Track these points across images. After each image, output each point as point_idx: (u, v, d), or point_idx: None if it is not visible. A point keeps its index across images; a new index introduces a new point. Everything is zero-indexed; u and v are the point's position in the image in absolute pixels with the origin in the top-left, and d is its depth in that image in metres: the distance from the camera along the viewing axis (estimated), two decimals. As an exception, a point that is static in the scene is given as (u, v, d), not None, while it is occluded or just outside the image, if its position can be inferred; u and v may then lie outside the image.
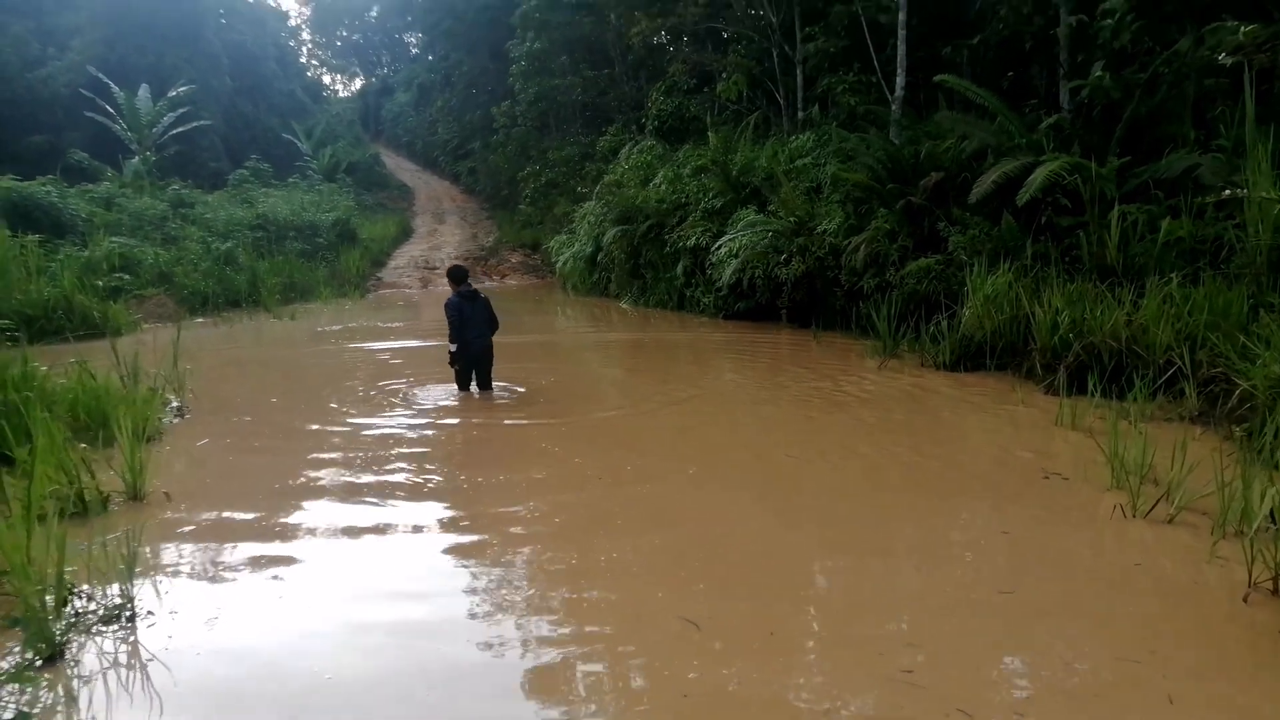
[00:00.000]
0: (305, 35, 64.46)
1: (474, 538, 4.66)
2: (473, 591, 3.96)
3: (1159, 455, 4.93)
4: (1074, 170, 9.21)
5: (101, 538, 4.02)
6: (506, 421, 7.47)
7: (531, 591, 3.93)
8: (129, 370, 7.28)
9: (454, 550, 4.48)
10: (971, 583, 3.91)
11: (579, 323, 16.76)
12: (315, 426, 7.25)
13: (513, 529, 4.73)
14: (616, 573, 4.15)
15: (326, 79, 66.75)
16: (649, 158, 19.43)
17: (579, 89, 27.08)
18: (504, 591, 3.94)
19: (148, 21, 32.18)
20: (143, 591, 3.80)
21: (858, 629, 3.50)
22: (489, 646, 3.41)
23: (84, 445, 5.24)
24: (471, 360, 8.32)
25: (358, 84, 67.17)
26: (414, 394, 8.63)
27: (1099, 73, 9.76)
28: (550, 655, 3.33)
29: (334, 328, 15.18)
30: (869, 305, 11.01)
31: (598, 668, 3.24)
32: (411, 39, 59.64)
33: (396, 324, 16.08)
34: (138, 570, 3.96)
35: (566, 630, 3.53)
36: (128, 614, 3.58)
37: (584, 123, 28.62)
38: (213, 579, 4.08)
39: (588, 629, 3.55)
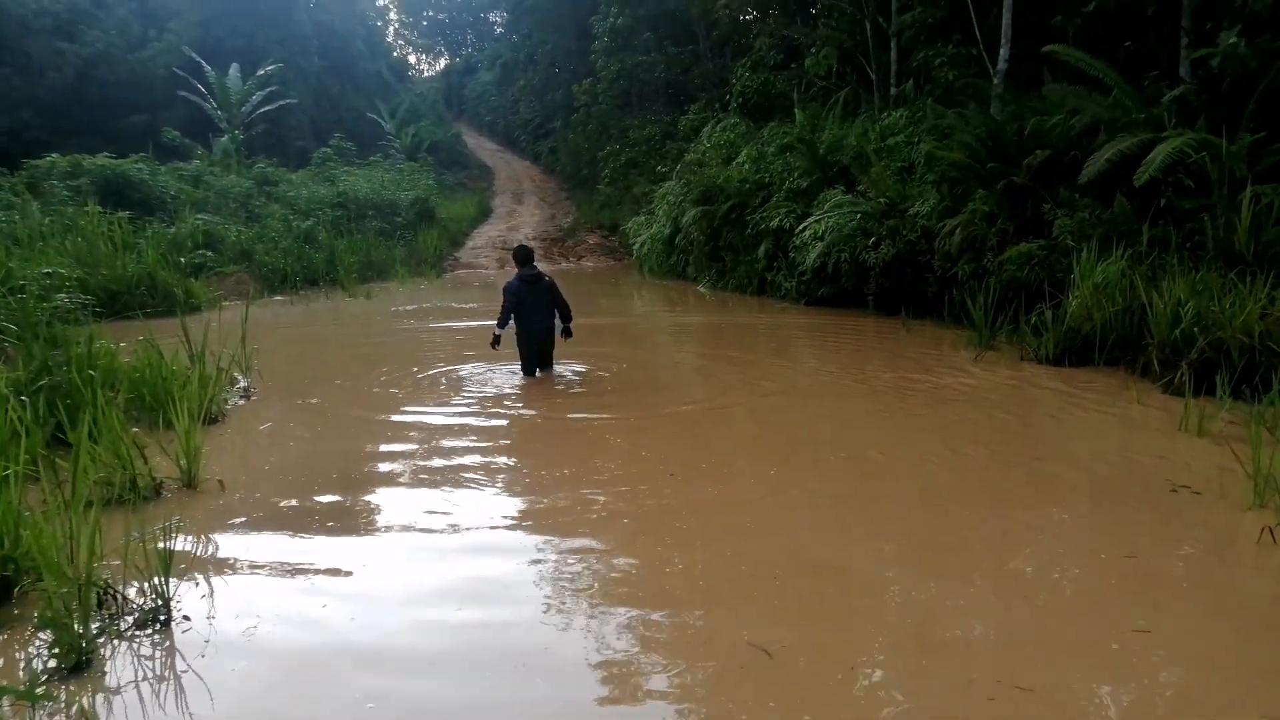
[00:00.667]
0: (392, 15, 65.31)
1: (535, 539, 4.31)
2: (528, 602, 3.61)
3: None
4: (1200, 147, 8.38)
5: (141, 530, 3.80)
6: (572, 415, 7.08)
7: (588, 607, 3.55)
8: (197, 349, 7.12)
9: (512, 554, 4.13)
10: (1094, 616, 3.38)
11: (655, 305, 16.37)
12: (380, 414, 7.03)
13: (574, 535, 4.34)
14: (681, 588, 3.74)
15: (412, 59, 67.55)
16: (732, 136, 18.85)
17: (662, 66, 26.56)
18: (560, 605, 3.57)
19: (242, 2, 32.77)
20: (182, 591, 3.56)
21: (959, 667, 3.02)
22: (534, 671, 3.05)
23: (135, 430, 5.05)
24: (532, 345, 8.12)
25: (442, 63, 67.73)
26: (483, 380, 8.36)
27: (1233, 39, 8.85)
28: (600, 687, 2.96)
29: (408, 307, 15.11)
30: (963, 293, 10.33)
31: (654, 705, 2.86)
32: (496, 18, 59.70)
33: (471, 305, 15.92)
34: (181, 567, 3.76)
35: (620, 653, 3.16)
36: (162, 617, 3.33)
37: (666, 101, 28.10)
38: (259, 578, 3.83)
39: (646, 656, 3.16)
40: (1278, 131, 8.65)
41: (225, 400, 7.07)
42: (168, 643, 3.22)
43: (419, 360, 9.50)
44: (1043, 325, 8.58)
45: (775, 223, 14.32)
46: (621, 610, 3.50)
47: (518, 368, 8.36)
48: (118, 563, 3.59)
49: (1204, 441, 5.57)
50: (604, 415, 6.87)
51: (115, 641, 3.20)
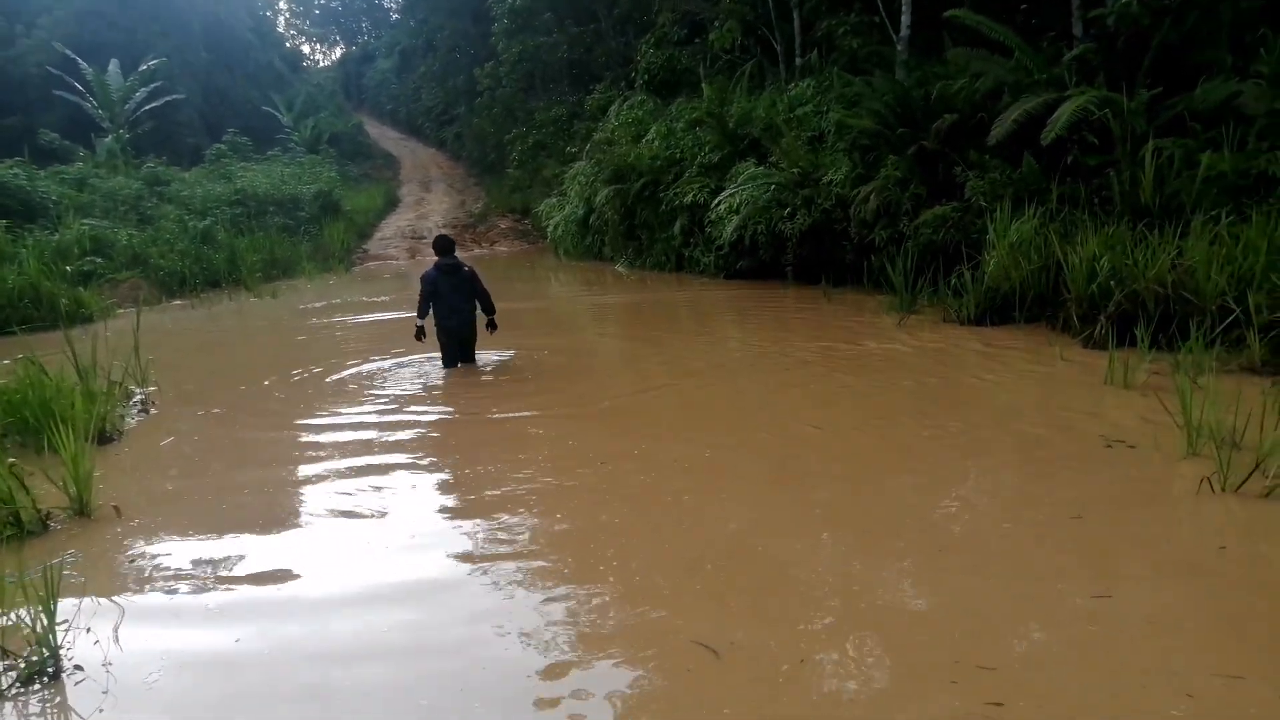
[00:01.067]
0: (282, 4, 62.83)
1: (463, 543, 4.05)
2: (455, 616, 3.37)
3: (1233, 415, 4.34)
4: (1102, 105, 8.52)
5: (18, 572, 3.43)
6: (495, 413, 6.75)
7: (522, 612, 3.33)
8: (85, 363, 6.59)
9: (436, 565, 3.84)
10: (1050, 584, 3.31)
11: (573, 288, 16.11)
12: (292, 421, 6.59)
13: (504, 536, 4.11)
14: (616, 587, 3.53)
15: (306, 48, 65.15)
16: (640, 113, 18.61)
17: (564, 46, 26.12)
18: (494, 614, 3.34)
19: (118, -5, 31.06)
20: (74, 638, 3.19)
21: (914, 650, 2.90)
22: (469, 690, 2.82)
23: (12, 460, 4.60)
24: (451, 336, 7.89)
25: (338, 52, 65.60)
26: (399, 376, 8.02)
27: (1125, -2, 9.00)
28: (539, 690, 2.75)
29: (317, 304, 14.50)
30: (881, 258, 10.39)
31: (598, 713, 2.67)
32: (391, 3, 58.11)
33: (382, 297, 15.40)
34: (74, 607, 3.41)
35: (560, 658, 2.95)
36: (50, 669, 2.98)
37: (571, 81, 27.67)
38: (161, 617, 3.46)
39: (585, 660, 2.96)
40: (1173, 86, 8.85)
41: (122, 416, 6.58)
42: (58, 698, 2.88)
43: (330, 358, 9.03)
44: (962, 287, 8.64)
45: (689, 198, 14.18)
46: (559, 611, 3.29)
47: (435, 360, 8.08)
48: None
49: (1131, 393, 5.63)
50: (528, 411, 6.54)
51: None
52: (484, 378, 7.89)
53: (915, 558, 3.62)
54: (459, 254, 8.33)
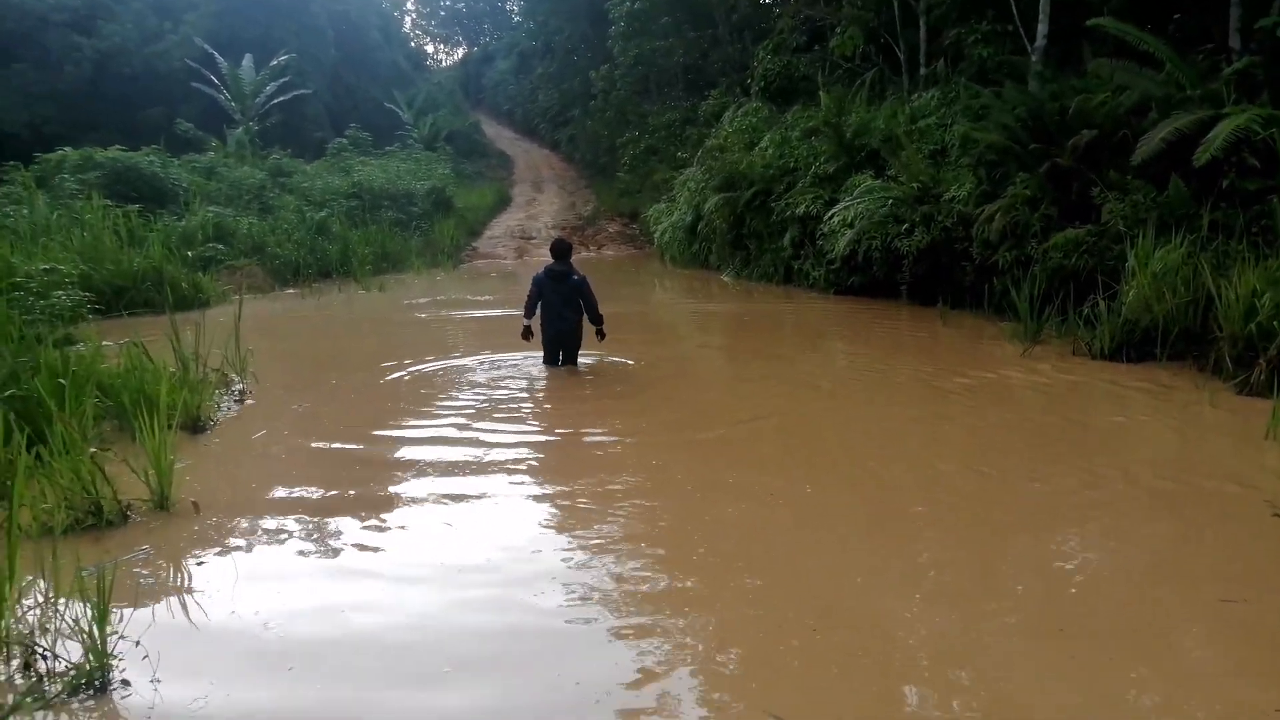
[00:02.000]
0: (409, 5, 64.77)
1: (536, 577, 3.77)
2: (517, 669, 3.09)
3: None
4: (1267, 124, 7.72)
5: (91, 566, 3.33)
6: (586, 429, 6.43)
7: (580, 664, 3.03)
8: (188, 350, 6.62)
9: (507, 603, 3.59)
10: (1199, 685, 2.82)
11: (677, 295, 15.83)
12: (385, 420, 6.50)
13: (584, 575, 3.81)
14: (688, 647, 3.17)
15: (429, 48, 67.10)
16: (754, 120, 18.20)
17: (680, 51, 25.90)
18: (551, 655, 3.06)
19: (257, -7, 32.44)
20: (125, 647, 3.05)
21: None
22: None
23: (111, 447, 4.56)
24: (551, 340, 7.91)
25: (460, 53, 67.19)
26: (498, 377, 7.90)
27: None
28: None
29: (422, 300, 14.62)
30: (1004, 282, 9.71)
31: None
32: (513, 6, 59.01)
33: (487, 296, 15.43)
34: (130, 612, 3.28)
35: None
36: (97, 681, 2.84)
37: (685, 86, 27.43)
38: (221, 630, 3.29)
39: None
40: (1353, 106, 7.98)
41: (217, 405, 6.61)
42: (100, 714, 2.73)
43: (432, 354, 8.98)
44: (1096, 317, 7.96)
45: (801, 209, 13.70)
46: (630, 671, 2.98)
47: (536, 357, 8.15)
48: (63, 608, 3.13)
49: (1296, 452, 4.97)
50: (619, 434, 6.13)
51: (39, 714, 2.71)
52: (582, 387, 7.66)
53: (1028, 638, 3.15)
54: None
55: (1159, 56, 9.24)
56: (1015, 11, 12.37)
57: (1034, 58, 11.81)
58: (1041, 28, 11.73)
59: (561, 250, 8.01)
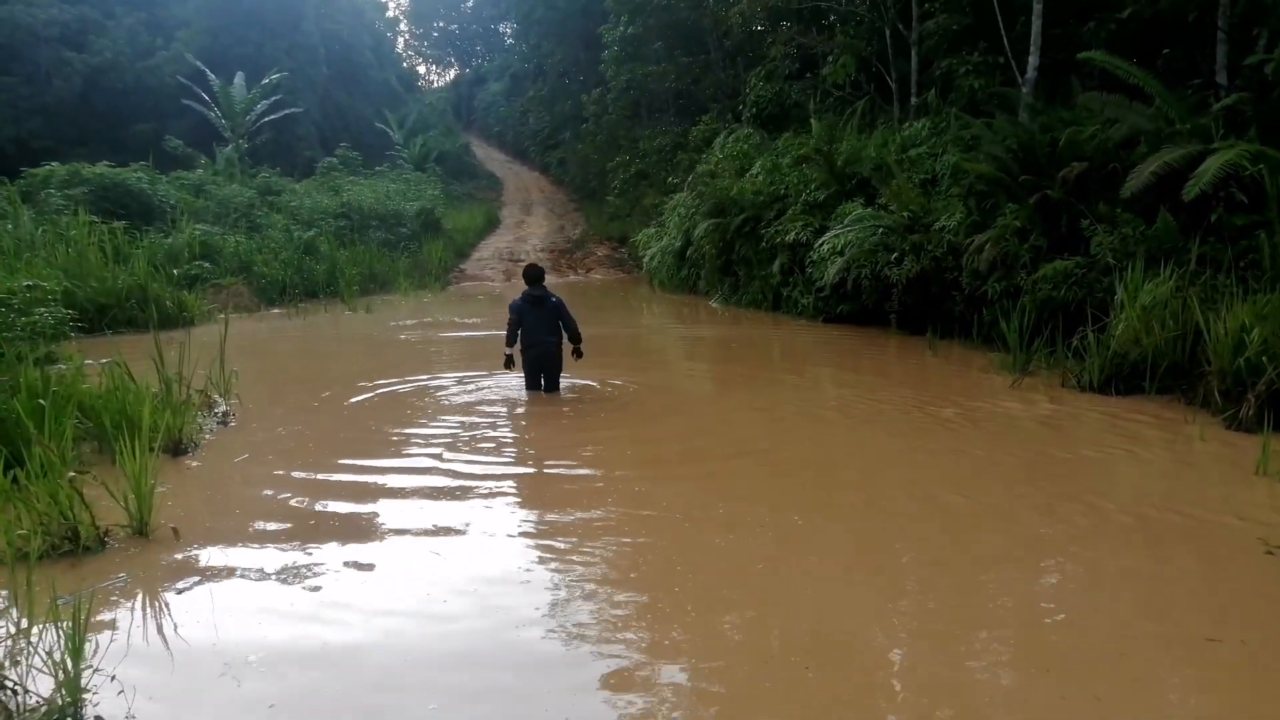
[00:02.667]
0: (402, 26, 65.09)
1: (517, 609, 3.69)
2: (503, 698, 3.01)
3: None
4: (1255, 159, 7.78)
5: (66, 595, 3.23)
6: (564, 461, 6.42)
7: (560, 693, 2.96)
8: (171, 371, 6.52)
9: (484, 633, 3.51)
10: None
11: (665, 320, 15.81)
12: (369, 447, 6.41)
13: (570, 607, 3.75)
14: (672, 678, 3.12)
15: (421, 69, 67.36)
16: (745, 147, 18.28)
17: (672, 76, 26.03)
18: (539, 684, 2.98)
19: (251, 12, 32.46)
20: (100, 681, 2.94)
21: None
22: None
23: (90, 471, 4.46)
24: (532, 365, 7.92)
25: (452, 74, 67.51)
26: (480, 400, 7.85)
27: (1287, 44, 8.26)
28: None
29: (408, 322, 14.54)
30: (993, 312, 9.74)
31: None
32: (506, 29, 59.34)
33: (474, 319, 15.36)
34: (108, 644, 3.18)
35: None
36: (70, 717, 2.74)
37: (677, 111, 27.58)
38: (199, 666, 3.18)
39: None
40: (1340, 143, 8.05)
41: (200, 427, 6.51)
42: (73, 755, 2.64)
43: (416, 375, 8.98)
44: (1085, 349, 7.96)
45: (791, 236, 13.73)
46: (615, 701, 2.90)
47: (513, 383, 8.16)
48: (37, 640, 3.03)
49: (1286, 488, 4.95)
50: (599, 467, 6.07)
51: (6, 753, 2.62)
52: (564, 414, 7.61)
53: (1014, 671, 3.11)
54: (555, 279, 8.24)
55: (1148, 91, 9.33)
56: (1007, 43, 12.49)
57: (1025, 89, 11.91)
58: (1033, 60, 11.83)
59: (535, 275, 8.09)
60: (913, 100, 15.06)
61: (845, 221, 12.36)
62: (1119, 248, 8.54)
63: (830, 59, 16.82)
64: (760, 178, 15.93)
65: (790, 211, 14.28)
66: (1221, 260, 7.83)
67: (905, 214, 11.48)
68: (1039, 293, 9.11)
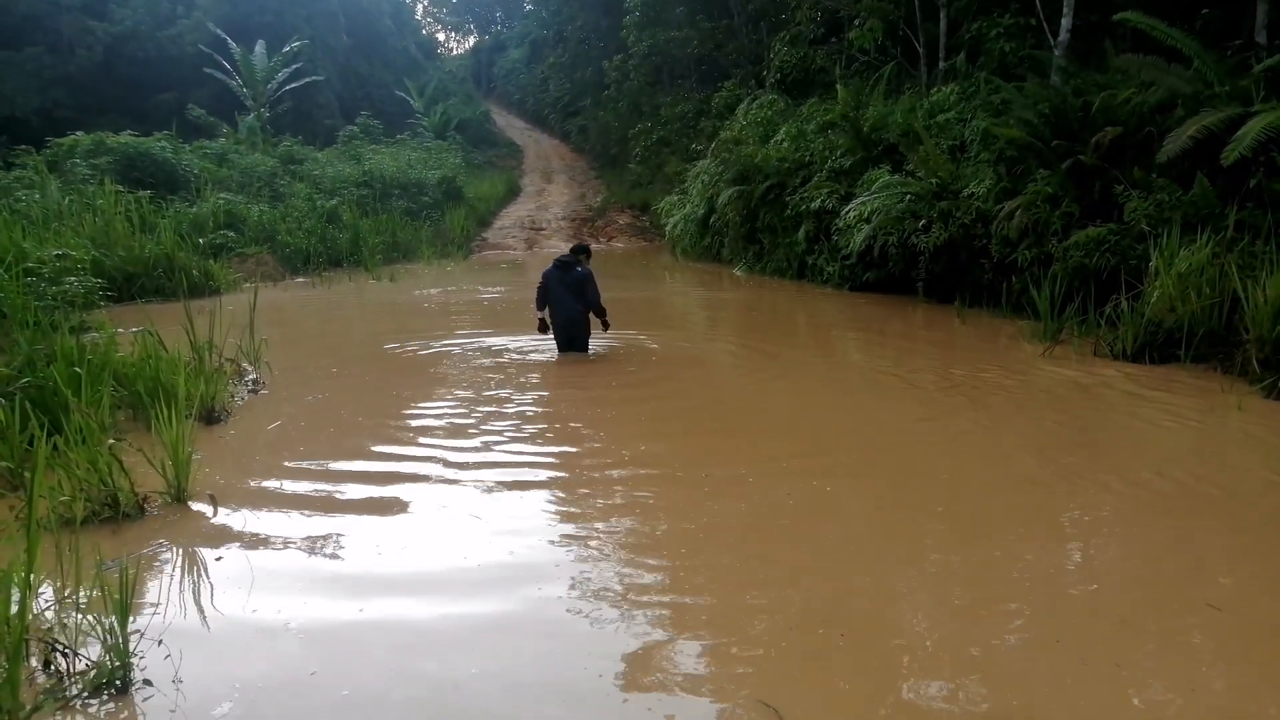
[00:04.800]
0: (421, -8, 64.65)
1: (539, 579, 3.71)
2: (520, 647, 3.03)
3: None
4: (1297, 123, 7.59)
5: (110, 561, 3.27)
6: (604, 418, 6.48)
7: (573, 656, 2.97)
8: (202, 340, 6.57)
9: (514, 598, 3.55)
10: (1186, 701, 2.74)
11: (688, 288, 15.76)
12: (401, 409, 6.46)
13: (595, 567, 3.76)
14: (692, 634, 3.12)
15: (441, 36, 67.02)
16: (769, 113, 18.06)
17: (695, 41, 25.71)
18: (559, 644, 3.00)
19: (270, -22, 32.34)
20: (146, 646, 3.00)
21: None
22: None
23: (126, 438, 4.51)
24: (558, 329, 8.37)
25: (472, 41, 67.09)
26: (509, 363, 8.03)
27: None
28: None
29: (433, 291, 14.56)
30: (1023, 280, 9.63)
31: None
32: (526, -6, 58.86)
33: (498, 288, 15.36)
34: (152, 611, 3.23)
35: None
36: (119, 680, 2.78)
37: (699, 77, 27.28)
38: (242, 630, 3.23)
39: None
40: (1386, 105, 7.84)
41: (232, 395, 6.57)
42: (123, 715, 2.68)
43: (446, 341, 9.06)
44: (1118, 317, 7.86)
45: (817, 204, 13.58)
46: (633, 651, 2.91)
47: (545, 346, 8.69)
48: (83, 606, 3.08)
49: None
50: (632, 425, 6.21)
51: (58, 715, 2.66)
52: (591, 376, 7.63)
53: (1037, 638, 3.09)
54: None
55: (1186, 52, 9.11)
56: (1039, 5, 12.22)
57: (1057, 52, 11.66)
58: (1065, 22, 11.57)
59: (576, 248, 8.72)
60: (941, 65, 14.79)
61: (872, 188, 12.21)
62: (1154, 214, 8.39)
63: (856, 23, 16.54)
64: (785, 144, 15.75)
65: (816, 179, 14.12)
66: (1261, 226, 7.68)
67: (933, 180, 11.32)
68: (1070, 260, 8.98)
